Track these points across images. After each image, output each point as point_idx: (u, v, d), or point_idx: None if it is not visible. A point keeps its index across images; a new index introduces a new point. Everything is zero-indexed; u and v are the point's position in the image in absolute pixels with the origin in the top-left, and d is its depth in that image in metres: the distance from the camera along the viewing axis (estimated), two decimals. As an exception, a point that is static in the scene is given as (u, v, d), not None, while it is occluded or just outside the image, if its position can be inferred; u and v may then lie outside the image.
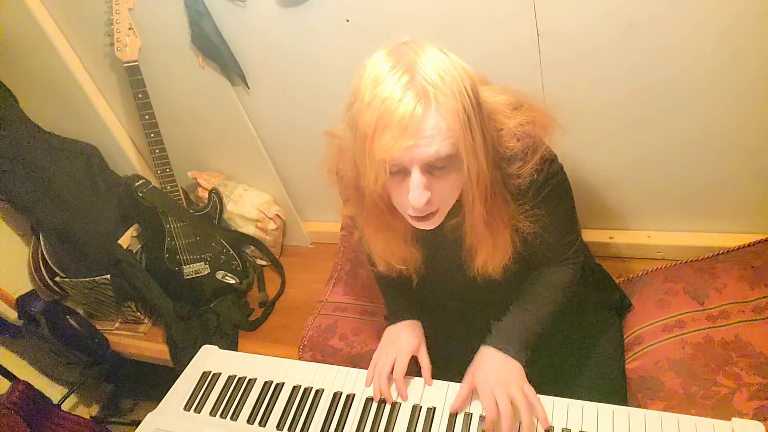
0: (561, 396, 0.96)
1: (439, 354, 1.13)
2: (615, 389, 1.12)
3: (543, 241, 0.95)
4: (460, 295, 1.14)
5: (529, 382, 0.97)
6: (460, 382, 1.03)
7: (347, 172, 0.91)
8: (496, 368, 0.96)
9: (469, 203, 0.85)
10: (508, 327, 1.01)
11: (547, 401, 0.95)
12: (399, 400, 1.03)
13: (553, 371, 1.13)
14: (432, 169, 0.77)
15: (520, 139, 0.88)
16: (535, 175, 0.89)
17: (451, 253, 0.99)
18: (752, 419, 0.84)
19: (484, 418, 0.95)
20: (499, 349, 0.98)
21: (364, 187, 0.83)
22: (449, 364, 1.09)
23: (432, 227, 0.87)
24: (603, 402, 0.94)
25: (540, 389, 0.97)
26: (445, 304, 1.22)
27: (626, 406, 1.04)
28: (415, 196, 0.77)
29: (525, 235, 0.93)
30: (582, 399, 0.95)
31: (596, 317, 1.19)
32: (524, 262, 1.00)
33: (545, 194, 0.92)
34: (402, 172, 0.78)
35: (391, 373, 1.06)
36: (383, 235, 0.95)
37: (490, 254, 0.92)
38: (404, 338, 1.10)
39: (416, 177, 0.76)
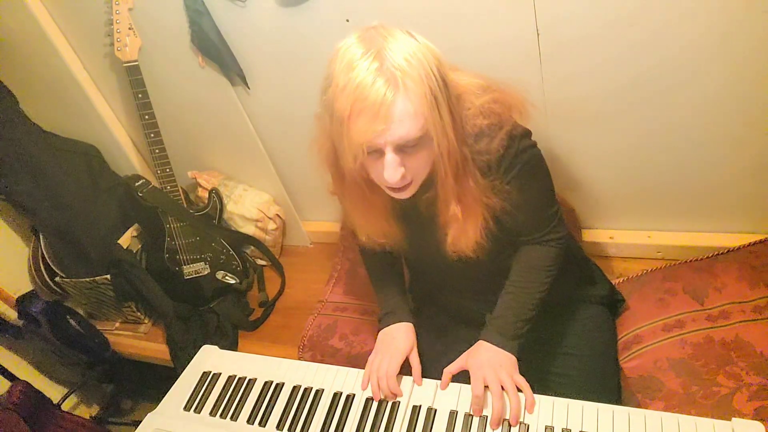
0: (548, 395, 0.97)
1: (433, 343, 1.17)
2: (606, 387, 1.11)
3: (516, 220, 0.99)
4: (444, 276, 1.15)
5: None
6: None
7: (327, 152, 0.96)
8: (490, 356, 1.00)
9: (441, 178, 0.90)
10: (499, 320, 1.04)
11: (546, 401, 0.95)
12: (399, 399, 1.03)
13: (540, 369, 1.12)
14: (404, 147, 0.83)
15: (486, 117, 0.91)
16: (502, 151, 0.92)
17: (428, 231, 1.01)
18: (752, 419, 0.84)
19: (484, 418, 0.95)
20: (493, 343, 1.01)
21: (344, 166, 0.89)
22: (442, 355, 1.12)
23: (406, 197, 0.92)
24: (593, 400, 0.94)
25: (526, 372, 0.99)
26: (434, 290, 1.24)
27: (619, 405, 1.05)
28: (390, 174, 0.83)
29: (497, 213, 0.96)
30: (571, 398, 0.95)
31: (585, 312, 1.19)
32: (500, 242, 1.02)
33: (516, 171, 0.94)
34: (377, 152, 0.84)
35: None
36: (364, 211, 1.01)
37: (461, 229, 0.95)
38: (398, 340, 1.11)
39: (390, 156, 0.82)
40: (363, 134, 0.80)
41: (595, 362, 1.12)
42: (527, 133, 0.97)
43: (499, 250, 1.04)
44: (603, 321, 1.20)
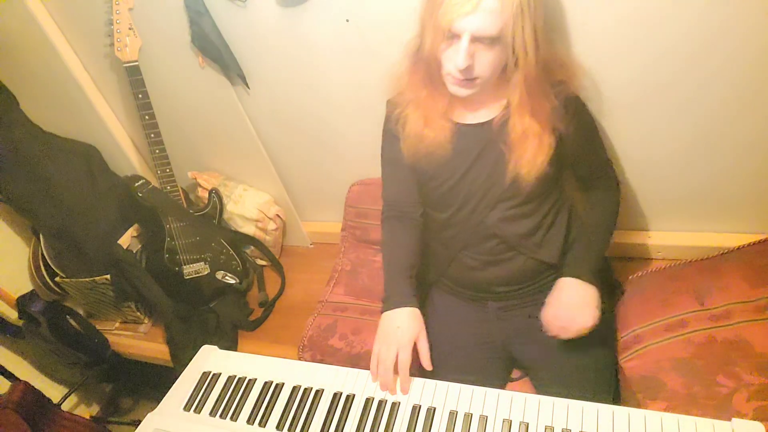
0: (548, 374, 1.02)
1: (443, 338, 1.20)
2: (602, 381, 1.13)
3: (583, 158, 1.15)
4: (469, 233, 1.17)
5: (519, 355, 1.20)
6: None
7: (414, 46, 1.07)
8: (572, 297, 1.09)
9: (513, 89, 1.00)
10: (581, 257, 1.14)
11: (546, 401, 0.95)
12: (400, 399, 1.03)
13: (544, 340, 1.13)
14: (479, 40, 0.93)
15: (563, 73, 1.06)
16: (568, 98, 1.05)
17: (486, 158, 1.09)
18: (752, 419, 0.84)
19: (483, 417, 0.95)
20: (577, 277, 1.10)
21: (422, 45, 1.01)
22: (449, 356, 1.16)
23: (465, 93, 1.01)
24: (593, 379, 1.02)
25: (529, 365, 1.13)
26: (446, 258, 1.24)
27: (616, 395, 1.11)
28: (460, 58, 0.94)
29: (563, 141, 1.05)
30: (572, 377, 1.00)
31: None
32: (548, 191, 1.13)
33: (578, 116, 1.08)
34: (455, 37, 0.94)
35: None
36: (423, 103, 1.08)
37: (530, 147, 1.03)
38: (403, 328, 1.09)
39: (464, 43, 0.93)
40: (449, 13, 0.91)
41: (592, 353, 1.14)
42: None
43: (539, 204, 1.13)
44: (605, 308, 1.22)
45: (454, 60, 0.95)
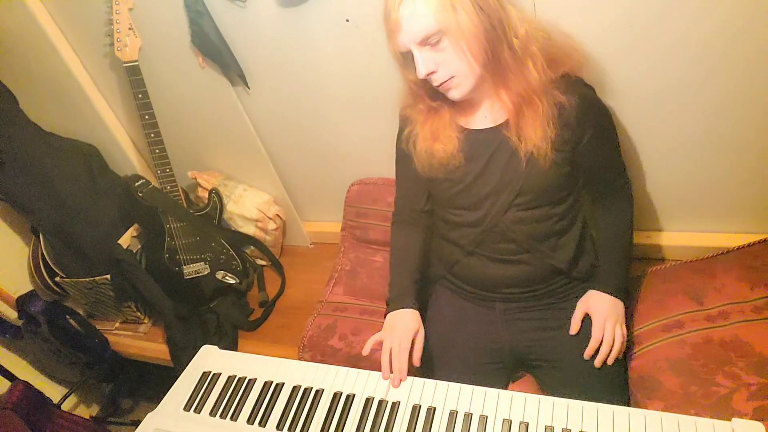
0: (558, 372, 1.03)
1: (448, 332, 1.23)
2: (613, 389, 1.12)
3: (601, 164, 1.15)
4: (485, 230, 1.16)
5: (525, 357, 1.19)
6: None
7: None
8: (608, 305, 1.14)
9: (478, 73, 1.01)
10: (609, 272, 1.18)
11: (546, 401, 0.95)
12: (400, 399, 1.03)
13: (552, 344, 1.16)
14: (427, 42, 0.97)
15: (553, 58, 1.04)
16: (576, 102, 1.03)
17: (501, 162, 1.10)
18: (751, 419, 0.84)
19: (483, 417, 0.96)
20: (608, 293, 1.14)
21: (406, 80, 1.09)
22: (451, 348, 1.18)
23: (458, 96, 1.04)
24: (601, 376, 1.03)
25: (536, 366, 1.13)
26: (460, 256, 1.23)
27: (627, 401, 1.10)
28: (419, 67, 0.99)
29: (578, 144, 1.07)
30: (580, 374, 1.02)
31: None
32: (566, 183, 1.12)
33: (596, 117, 1.09)
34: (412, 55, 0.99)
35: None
36: (429, 117, 1.12)
37: (522, 115, 1.03)
38: (406, 322, 1.16)
39: (416, 54, 0.98)
40: (390, 40, 1.00)
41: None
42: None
43: (552, 208, 1.12)
44: None
45: (417, 71, 0.99)
